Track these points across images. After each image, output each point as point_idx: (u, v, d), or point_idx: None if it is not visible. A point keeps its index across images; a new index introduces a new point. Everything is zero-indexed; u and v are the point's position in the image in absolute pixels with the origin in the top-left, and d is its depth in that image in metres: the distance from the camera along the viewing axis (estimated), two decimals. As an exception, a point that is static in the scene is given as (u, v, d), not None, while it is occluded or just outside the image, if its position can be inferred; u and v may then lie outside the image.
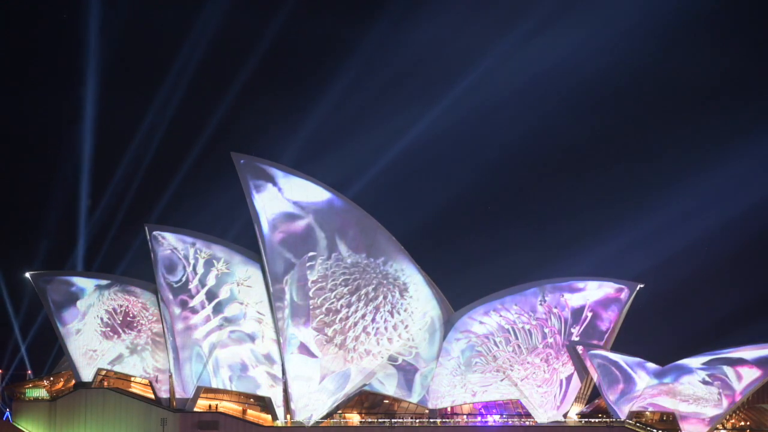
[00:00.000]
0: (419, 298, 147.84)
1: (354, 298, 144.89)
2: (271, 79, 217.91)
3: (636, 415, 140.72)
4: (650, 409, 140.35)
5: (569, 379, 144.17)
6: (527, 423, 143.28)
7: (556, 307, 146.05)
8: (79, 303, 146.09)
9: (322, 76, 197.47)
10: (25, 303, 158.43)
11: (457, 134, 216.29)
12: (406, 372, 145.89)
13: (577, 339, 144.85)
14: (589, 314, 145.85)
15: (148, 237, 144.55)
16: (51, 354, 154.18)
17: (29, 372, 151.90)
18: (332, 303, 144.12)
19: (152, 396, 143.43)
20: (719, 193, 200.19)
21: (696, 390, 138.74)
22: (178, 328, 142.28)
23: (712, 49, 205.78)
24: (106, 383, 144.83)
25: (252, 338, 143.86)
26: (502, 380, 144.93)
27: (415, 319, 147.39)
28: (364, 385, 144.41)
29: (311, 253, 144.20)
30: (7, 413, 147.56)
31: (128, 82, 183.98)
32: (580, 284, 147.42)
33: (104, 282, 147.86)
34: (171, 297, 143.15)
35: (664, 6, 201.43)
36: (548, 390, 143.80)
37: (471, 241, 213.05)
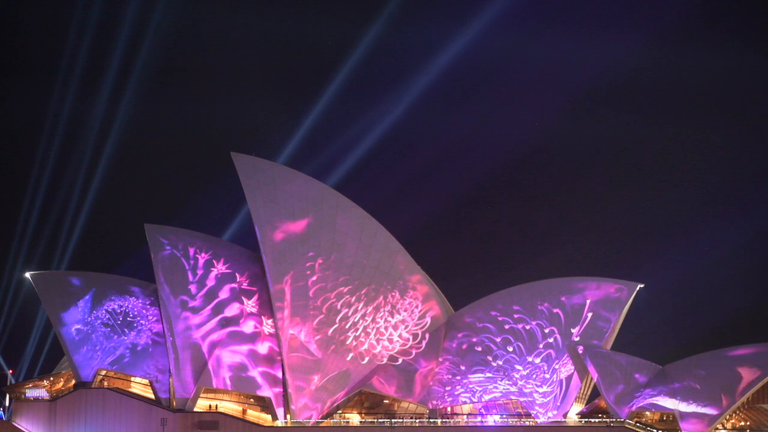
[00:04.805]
0: (419, 298, 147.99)
1: (354, 298, 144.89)
2: (271, 79, 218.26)
3: (636, 415, 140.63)
4: (650, 409, 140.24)
5: (569, 379, 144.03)
6: (527, 423, 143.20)
7: (556, 307, 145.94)
8: (79, 303, 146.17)
9: (322, 76, 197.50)
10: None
11: (458, 134, 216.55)
12: (406, 372, 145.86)
13: (577, 339, 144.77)
14: (589, 314, 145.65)
15: (148, 237, 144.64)
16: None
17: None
18: (332, 303, 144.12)
19: (152, 396, 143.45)
20: (720, 193, 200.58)
21: (696, 390, 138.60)
22: (178, 328, 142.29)
23: (712, 50, 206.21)
24: (106, 383, 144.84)
25: (252, 338, 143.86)
26: (502, 380, 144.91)
27: (415, 319, 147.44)
28: (364, 385, 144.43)
29: (311, 253, 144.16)
30: (0, 413, 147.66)
31: (126, 83, 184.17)
32: (580, 284, 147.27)
33: (104, 282, 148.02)
34: (171, 297, 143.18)
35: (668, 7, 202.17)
36: (548, 390, 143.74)
37: (471, 242, 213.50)
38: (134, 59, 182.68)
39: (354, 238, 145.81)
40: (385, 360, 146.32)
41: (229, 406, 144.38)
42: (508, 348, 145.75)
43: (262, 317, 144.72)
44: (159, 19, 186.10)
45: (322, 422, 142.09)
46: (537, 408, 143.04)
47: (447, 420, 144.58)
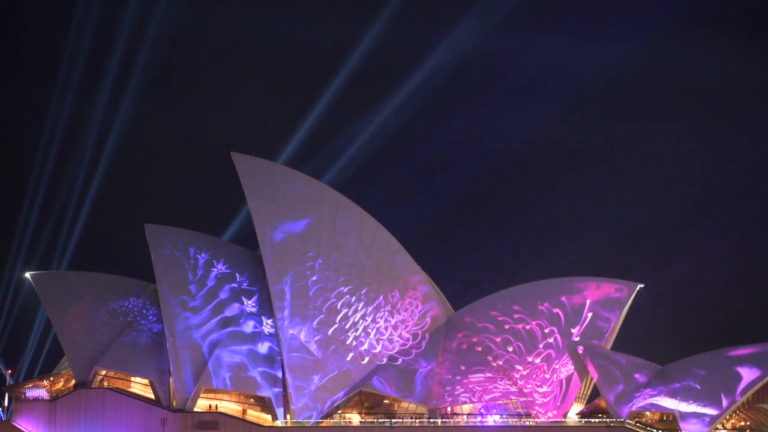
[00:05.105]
0: (419, 298, 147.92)
1: (354, 298, 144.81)
2: (271, 79, 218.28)
3: (636, 415, 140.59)
4: (650, 409, 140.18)
5: (569, 379, 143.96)
6: (527, 423, 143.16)
7: (556, 307, 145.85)
8: (79, 303, 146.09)
9: (322, 76, 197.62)
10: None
11: (458, 134, 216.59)
12: (406, 372, 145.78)
13: (577, 339, 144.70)
14: (589, 314, 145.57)
15: (148, 237, 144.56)
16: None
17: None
18: (332, 303, 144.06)
19: (152, 396, 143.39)
20: (720, 193, 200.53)
21: (696, 390, 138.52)
22: (178, 328, 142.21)
23: (713, 50, 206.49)
24: (106, 383, 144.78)
25: (252, 338, 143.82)
26: (502, 380, 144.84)
27: (415, 319, 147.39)
28: (364, 385, 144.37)
29: (311, 253, 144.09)
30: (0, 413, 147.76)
31: (126, 83, 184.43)
32: (580, 284, 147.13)
33: (104, 281, 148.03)
34: (171, 297, 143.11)
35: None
36: (548, 390, 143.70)
37: (471, 242, 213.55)
38: (134, 59, 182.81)
39: (354, 238, 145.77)
40: (385, 360, 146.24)
41: (229, 406, 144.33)
42: (508, 348, 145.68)
43: (262, 317, 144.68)
44: (159, 20, 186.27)
45: (322, 422, 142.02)
46: (537, 408, 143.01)
47: (447, 420, 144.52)
